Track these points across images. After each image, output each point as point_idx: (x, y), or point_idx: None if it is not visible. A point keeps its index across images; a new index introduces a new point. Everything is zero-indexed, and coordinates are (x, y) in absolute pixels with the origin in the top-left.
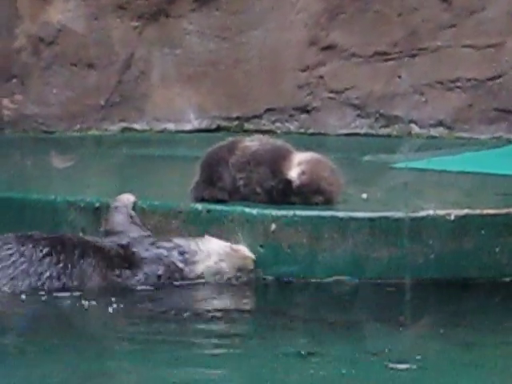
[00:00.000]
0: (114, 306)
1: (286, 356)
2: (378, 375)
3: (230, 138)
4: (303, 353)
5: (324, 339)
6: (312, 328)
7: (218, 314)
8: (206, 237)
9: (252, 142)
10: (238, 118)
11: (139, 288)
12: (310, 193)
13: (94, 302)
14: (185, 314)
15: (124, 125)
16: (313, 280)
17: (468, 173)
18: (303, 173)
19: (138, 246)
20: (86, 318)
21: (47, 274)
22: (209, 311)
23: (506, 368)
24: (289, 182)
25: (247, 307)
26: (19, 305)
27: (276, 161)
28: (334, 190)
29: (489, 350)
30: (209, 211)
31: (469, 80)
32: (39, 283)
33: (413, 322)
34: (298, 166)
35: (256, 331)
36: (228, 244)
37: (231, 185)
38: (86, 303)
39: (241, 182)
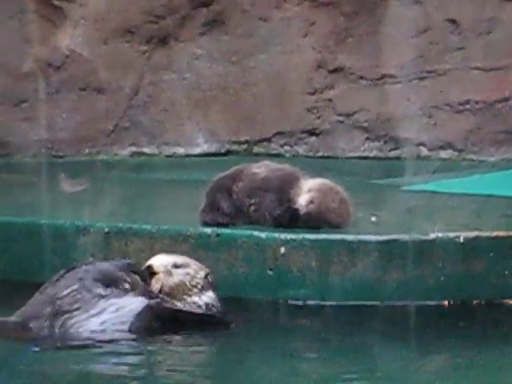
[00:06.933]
0: None
1: None
2: None
3: (236, 166)
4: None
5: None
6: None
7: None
8: None
9: (260, 169)
10: (246, 142)
11: None
12: (316, 222)
13: None
14: None
15: (133, 149)
16: (322, 303)
17: (477, 195)
18: (311, 201)
19: None
20: None
21: None
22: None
23: None
24: (296, 211)
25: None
26: None
27: (284, 188)
28: (341, 221)
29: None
30: (218, 235)
31: (477, 102)
32: None
33: (426, 346)
34: (307, 193)
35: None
36: None
37: (233, 210)
38: None
39: (252, 208)
